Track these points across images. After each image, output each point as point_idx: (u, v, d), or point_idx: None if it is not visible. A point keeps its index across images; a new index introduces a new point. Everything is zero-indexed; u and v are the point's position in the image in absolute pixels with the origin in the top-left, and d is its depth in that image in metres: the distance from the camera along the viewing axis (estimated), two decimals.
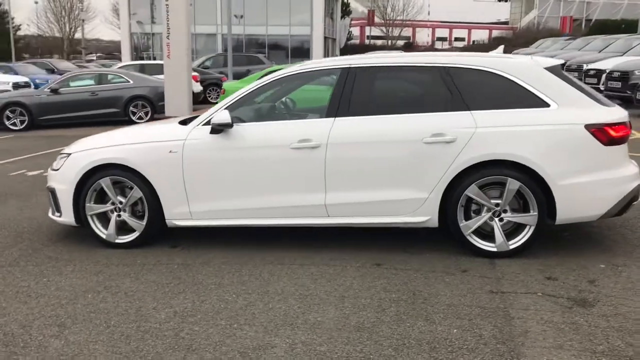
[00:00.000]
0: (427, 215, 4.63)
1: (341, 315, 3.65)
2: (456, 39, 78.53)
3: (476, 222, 4.58)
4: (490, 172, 4.48)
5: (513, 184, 4.44)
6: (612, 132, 4.43)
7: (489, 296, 3.87)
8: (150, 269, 4.57)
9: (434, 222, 4.65)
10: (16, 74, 25.61)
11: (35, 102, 15.11)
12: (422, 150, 4.54)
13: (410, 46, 49.50)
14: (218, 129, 4.81)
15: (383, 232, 5.06)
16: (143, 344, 3.35)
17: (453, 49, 53.80)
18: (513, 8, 71.58)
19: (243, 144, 4.82)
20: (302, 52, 41.29)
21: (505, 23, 73.21)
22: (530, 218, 4.49)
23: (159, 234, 5.15)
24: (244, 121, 4.94)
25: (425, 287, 4.06)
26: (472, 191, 4.51)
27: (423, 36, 76.66)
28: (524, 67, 4.65)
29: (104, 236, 5.11)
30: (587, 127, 4.41)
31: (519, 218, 4.52)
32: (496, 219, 4.54)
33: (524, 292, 3.92)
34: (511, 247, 4.54)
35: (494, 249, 4.56)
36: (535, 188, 4.43)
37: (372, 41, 63.51)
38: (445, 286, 4.06)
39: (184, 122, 5.23)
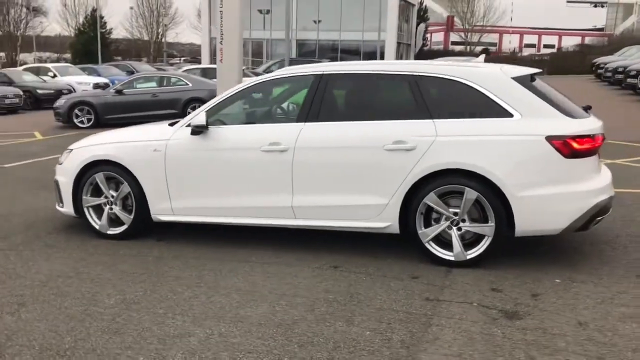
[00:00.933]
0: (388, 222, 4.70)
1: (270, 311, 3.81)
2: (545, 46, 75.85)
3: (434, 230, 4.60)
4: (449, 181, 4.51)
5: (471, 194, 4.44)
6: (575, 145, 4.34)
7: (422, 303, 3.91)
8: (126, 260, 4.91)
9: (395, 229, 4.72)
10: (99, 75, 27.36)
11: (101, 102, 16.11)
12: (383, 157, 4.62)
13: (488, 53, 48.19)
14: (196, 130, 5.09)
15: (358, 236, 5.14)
16: (80, 325, 3.66)
17: (535, 56, 52.03)
18: (609, 13, 68.38)
19: (219, 146, 5.08)
20: (374, 57, 41.31)
21: (601, 29, 69.94)
22: (487, 229, 4.47)
23: (148, 228, 5.48)
24: (225, 124, 5.20)
25: (366, 290, 4.15)
26: (431, 199, 4.55)
27: (511, 42, 74.53)
28: (490, 77, 4.64)
29: (97, 227, 5.52)
30: (548, 138, 4.34)
31: (476, 228, 4.51)
32: (454, 228, 4.55)
33: (460, 301, 3.93)
34: (468, 257, 4.54)
35: (452, 258, 4.57)
36: (492, 199, 4.41)
37: (452, 47, 62.53)
38: (386, 291, 4.13)
39: (173, 124, 5.55)
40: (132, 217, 5.40)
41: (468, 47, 60.96)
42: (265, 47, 45.03)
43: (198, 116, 5.08)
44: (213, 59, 43.60)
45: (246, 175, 5.02)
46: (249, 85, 5.27)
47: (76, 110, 15.95)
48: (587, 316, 3.67)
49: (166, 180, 5.23)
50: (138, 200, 5.35)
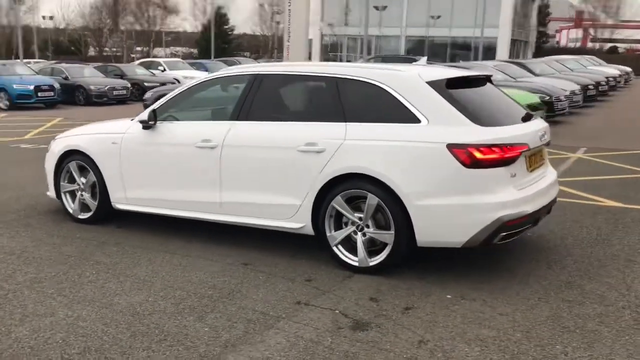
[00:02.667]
0: (302, 223, 4.70)
1: (141, 301, 4.00)
2: None
3: (341, 234, 4.54)
4: (354, 185, 4.43)
5: (372, 200, 4.33)
6: (478, 154, 4.08)
7: (289, 306, 3.91)
8: (74, 242, 5.31)
9: (309, 230, 4.71)
10: (206, 70, 28.89)
11: None
12: (297, 158, 4.63)
13: (613, 51, 44.41)
14: (146, 125, 5.39)
15: (292, 236, 5.12)
16: None
17: None
18: None
19: (161, 140, 5.35)
20: (486, 54, 39.81)
21: None
22: (387, 236, 4.34)
23: (110, 215, 5.86)
24: (176, 120, 5.46)
25: (250, 289, 4.20)
26: (338, 203, 4.49)
27: None
28: (404, 81, 4.48)
29: (71, 211, 6.01)
30: (449, 146, 4.13)
31: (377, 235, 4.39)
32: (360, 234, 4.46)
33: (326, 307, 3.88)
34: (371, 263, 4.43)
35: (356, 264, 4.49)
36: (392, 206, 4.27)
37: (576, 44, 58.53)
38: (269, 291, 4.16)
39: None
40: (96, 203, 5.82)
41: (598, 45, 56.75)
42: (375, 43, 44.97)
43: (145, 112, 5.38)
44: (323, 56, 44.50)
45: (183, 169, 5.24)
46: (196, 83, 5.48)
47: None
48: (435, 334, 3.49)
49: (121, 171, 5.58)
50: (101, 188, 5.75)
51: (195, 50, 59.93)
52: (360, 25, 42.23)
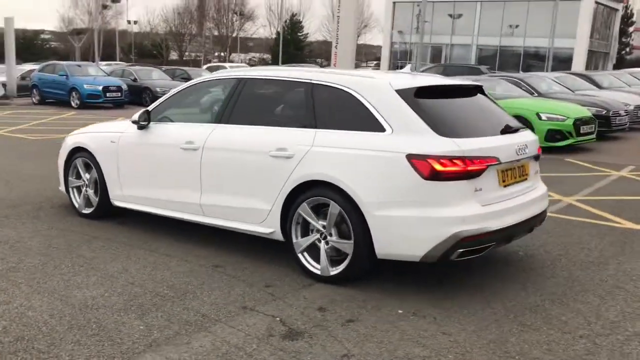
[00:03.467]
0: (272, 228, 4.69)
1: (96, 295, 4.10)
2: None
3: (306, 241, 4.49)
4: (319, 192, 4.37)
5: (334, 208, 4.26)
6: (437, 166, 3.93)
7: (232, 310, 3.89)
8: (67, 236, 5.51)
9: (279, 236, 4.69)
10: None
11: None
12: (268, 163, 4.62)
13: None
14: (141, 125, 5.55)
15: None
16: None
17: None
18: None
19: (153, 141, 5.48)
20: (561, 65, 38.26)
21: None
22: (347, 246, 4.25)
23: (111, 211, 6.06)
24: (171, 121, 5.58)
25: (205, 291, 4.21)
26: (303, 209, 4.45)
27: None
28: (374, 89, 4.38)
29: (77, 206, 6.26)
30: (409, 157, 4.00)
31: (338, 244, 4.31)
32: (323, 242, 4.40)
33: (269, 314, 3.84)
34: (332, 273, 4.35)
35: (318, 272, 4.42)
36: (352, 215, 4.18)
37: None
38: (221, 295, 4.15)
39: None
40: (97, 199, 6.04)
41: None
42: (445, 51, 44.22)
43: (138, 112, 5.54)
44: (392, 63, 44.22)
45: (170, 170, 5.34)
46: (188, 85, 5.59)
47: None
48: (364, 349, 3.38)
49: (118, 169, 5.77)
50: (101, 185, 5.96)
51: (268, 56, 61.11)
52: (432, 33, 41.86)
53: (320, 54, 64.53)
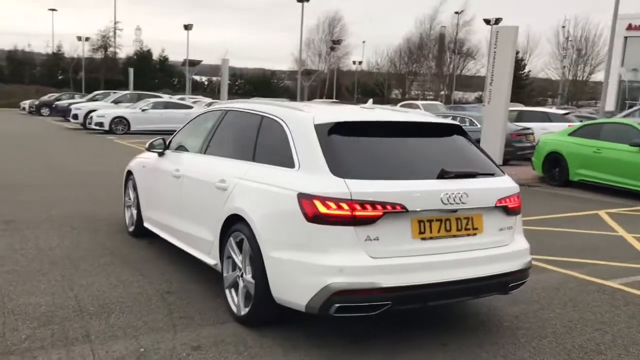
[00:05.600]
0: (215, 260, 4.63)
1: (32, 302, 4.44)
2: None
3: (230, 277, 4.34)
4: (238, 227, 4.21)
5: (246, 244, 4.07)
6: (322, 208, 3.54)
7: (117, 333, 3.93)
8: (86, 249, 6.01)
9: (220, 268, 4.60)
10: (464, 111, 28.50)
11: None
12: (213, 194, 4.59)
13: None
14: (157, 152, 5.94)
15: None
16: None
17: None
18: None
19: (161, 167, 5.80)
20: None
21: None
22: (251, 286, 4.01)
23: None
24: (186, 150, 5.86)
25: (123, 312, 4.31)
26: (230, 244, 4.32)
27: None
28: (298, 122, 4.12)
29: (126, 223, 6.86)
30: (299, 196, 3.66)
31: (248, 283, 4.07)
32: (241, 279, 4.21)
33: (143, 342, 3.79)
34: (242, 313, 4.13)
35: (235, 311, 4.23)
36: (255, 253, 3.95)
37: None
38: (132, 317, 4.21)
39: None
40: (134, 219, 6.56)
41: None
42: None
43: (154, 140, 5.94)
44: (619, 102, 39.65)
45: (165, 194, 5.61)
46: (196, 116, 5.83)
47: None
48: None
49: (145, 192, 6.22)
50: (137, 206, 6.47)
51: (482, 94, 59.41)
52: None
53: (541, 92, 60.80)
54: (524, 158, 15.51)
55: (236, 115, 5.03)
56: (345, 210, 3.51)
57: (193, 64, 36.74)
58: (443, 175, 3.81)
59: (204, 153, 5.15)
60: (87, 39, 56.19)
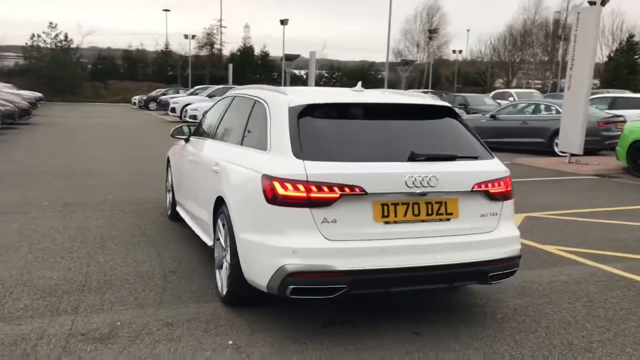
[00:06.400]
0: (211, 241, 4.74)
1: (40, 277, 4.80)
2: None
3: (218, 258, 4.44)
4: (223, 209, 4.29)
5: (227, 226, 4.15)
6: (280, 189, 3.53)
7: (98, 309, 4.15)
8: (120, 231, 6.34)
9: None
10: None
11: (476, 125, 16.78)
12: (210, 177, 4.71)
13: None
14: (183, 138, 6.17)
15: None
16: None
17: None
18: None
19: (184, 153, 6.02)
20: None
21: None
22: (227, 264, 4.09)
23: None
24: (203, 136, 6.02)
25: (115, 288, 4.53)
26: (218, 225, 4.42)
27: None
28: (275, 105, 4.12)
29: (167, 207, 7.16)
30: (263, 177, 3.68)
31: (227, 263, 4.14)
32: (225, 259, 4.29)
33: (125, 316, 3.97)
34: (223, 293, 4.22)
35: (220, 291, 4.33)
36: (230, 235, 4.02)
37: None
38: (121, 294, 4.40)
39: None
40: (170, 203, 6.85)
41: None
42: None
43: (179, 126, 6.17)
44: None
45: (186, 179, 5.82)
46: (213, 104, 5.96)
47: None
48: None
49: (176, 178, 6.49)
50: (171, 190, 6.76)
51: (597, 82, 55.70)
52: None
53: None
54: (613, 148, 14.47)
55: (239, 100, 5.10)
56: (301, 192, 3.48)
57: (291, 58, 37.37)
58: (414, 157, 3.67)
59: (212, 138, 5.29)
60: (193, 36, 58.71)
